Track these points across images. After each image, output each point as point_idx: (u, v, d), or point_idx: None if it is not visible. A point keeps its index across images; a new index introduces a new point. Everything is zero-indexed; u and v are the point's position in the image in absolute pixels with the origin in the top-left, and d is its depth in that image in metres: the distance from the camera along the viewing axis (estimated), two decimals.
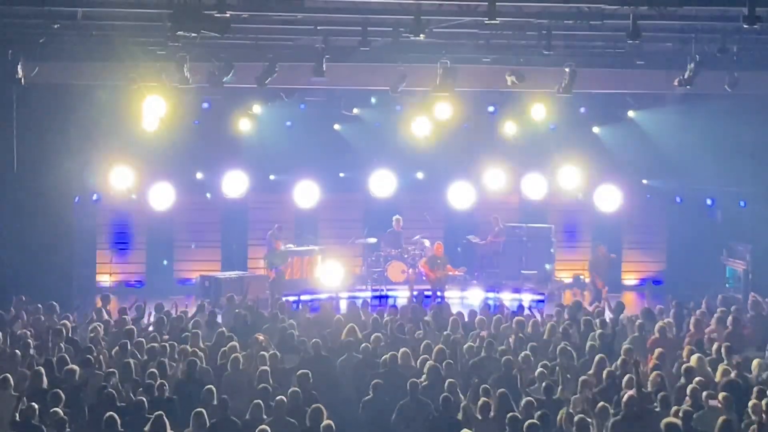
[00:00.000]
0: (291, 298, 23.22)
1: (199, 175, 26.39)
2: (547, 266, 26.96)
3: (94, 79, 21.20)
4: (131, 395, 13.47)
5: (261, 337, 16.21)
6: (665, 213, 28.21)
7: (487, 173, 27.05)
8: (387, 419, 13.26)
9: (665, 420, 12.02)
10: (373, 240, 26.78)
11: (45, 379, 13.91)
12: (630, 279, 28.40)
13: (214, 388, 13.51)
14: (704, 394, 13.18)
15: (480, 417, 12.76)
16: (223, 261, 27.41)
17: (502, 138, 26.05)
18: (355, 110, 26.06)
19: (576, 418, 12.15)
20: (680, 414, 12.41)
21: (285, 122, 26.40)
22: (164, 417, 12.21)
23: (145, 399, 13.10)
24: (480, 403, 12.90)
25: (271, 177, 27.06)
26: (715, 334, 17.28)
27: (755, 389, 13.55)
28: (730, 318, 17.83)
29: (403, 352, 15.30)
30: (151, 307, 19.04)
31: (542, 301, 24.52)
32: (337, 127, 26.61)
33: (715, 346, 15.86)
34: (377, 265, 26.37)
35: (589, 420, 12.21)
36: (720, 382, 14.06)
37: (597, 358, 14.89)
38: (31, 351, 15.83)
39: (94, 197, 25.33)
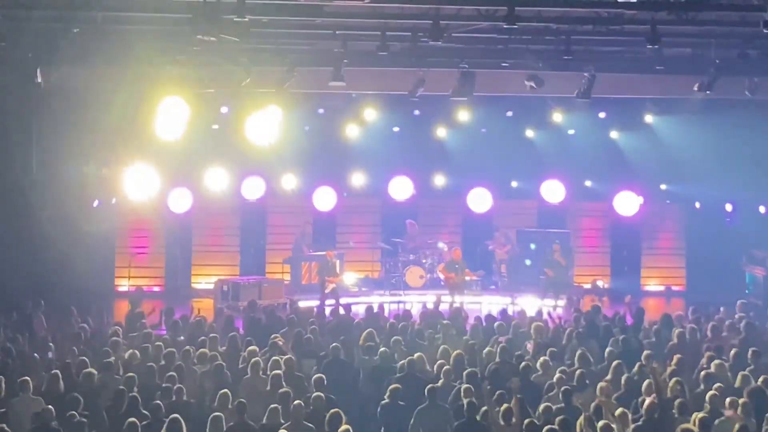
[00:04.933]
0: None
1: (218, 180, 26.27)
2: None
3: (113, 83, 21.19)
4: (149, 399, 13.46)
5: (280, 341, 16.19)
6: (684, 218, 28.07)
7: (504, 178, 27.01)
8: (405, 424, 13.22)
9: (681, 426, 11.95)
10: (387, 246, 26.77)
11: (62, 382, 13.92)
12: (649, 285, 28.27)
13: (229, 392, 13.48)
14: (726, 401, 13.08)
15: (503, 422, 12.69)
16: (241, 265, 27.42)
17: (519, 143, 25.99)
18: (368, 113, 25.78)
19: (600, 424, 12.08)
20: (699, 421, 12.31)
21: (304, 126, 26.26)
22: (180, 421, 12.21)
23: (162, 403, 13.09)
24: (503, 408, 12.82)
25: (290, 182, 26.84)
26: (734, 340, 17.19)
27: None
28: (743, 323, 17.77)
29: (420, 356, 15.26)
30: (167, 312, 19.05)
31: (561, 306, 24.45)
32: (351, 131, 26.35)
33: (733, 352, 15.78)
34: (395, 270, 26.32)
35: (613, 426, 12.15)
36: (740, 388, 13.96)
37: (614, 363, 14.81)
38: (50, 354, 15.85)
39: (113, 201, 25.32)
